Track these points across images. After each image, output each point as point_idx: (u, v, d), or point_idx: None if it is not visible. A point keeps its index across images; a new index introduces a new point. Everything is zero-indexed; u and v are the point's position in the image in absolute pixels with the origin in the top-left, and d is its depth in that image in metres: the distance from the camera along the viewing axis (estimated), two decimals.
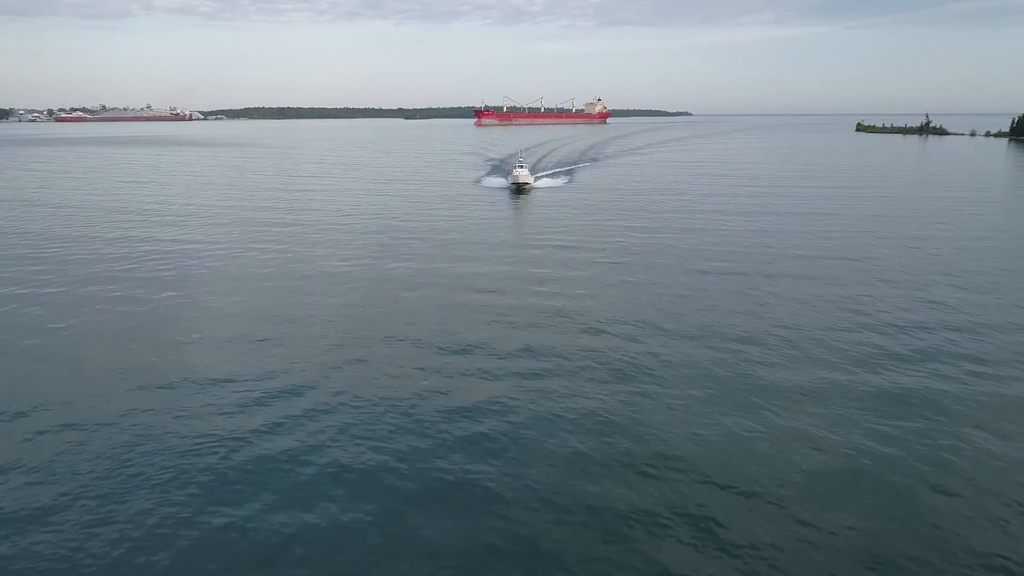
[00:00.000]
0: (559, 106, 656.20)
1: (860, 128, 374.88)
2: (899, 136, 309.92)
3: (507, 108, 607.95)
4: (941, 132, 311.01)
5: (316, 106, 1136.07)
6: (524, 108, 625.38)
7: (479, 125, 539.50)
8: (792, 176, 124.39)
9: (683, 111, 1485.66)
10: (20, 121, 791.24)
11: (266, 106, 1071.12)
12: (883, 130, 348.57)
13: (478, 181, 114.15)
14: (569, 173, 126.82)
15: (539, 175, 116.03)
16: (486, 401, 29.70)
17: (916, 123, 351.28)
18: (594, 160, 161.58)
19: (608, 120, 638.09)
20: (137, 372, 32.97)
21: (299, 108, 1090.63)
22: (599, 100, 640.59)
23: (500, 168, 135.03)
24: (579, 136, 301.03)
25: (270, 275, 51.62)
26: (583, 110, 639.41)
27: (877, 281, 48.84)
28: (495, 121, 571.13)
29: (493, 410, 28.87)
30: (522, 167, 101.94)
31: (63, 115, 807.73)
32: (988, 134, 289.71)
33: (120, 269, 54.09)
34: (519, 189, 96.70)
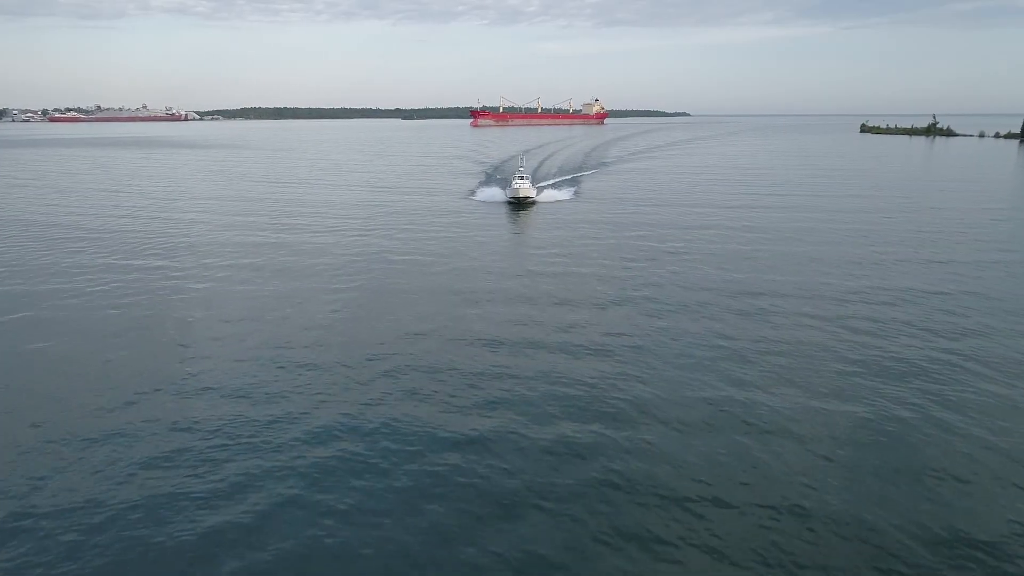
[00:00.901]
0: (556, 107, 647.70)
1: (865, 129, 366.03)
2: (905, 137, 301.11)
3: (503, 109, 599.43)
4: (948, 133, 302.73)
5: (313, 106, 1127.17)
6: (521, 108, 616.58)
7: (475, 126, 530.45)
8: (815, 182, 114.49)
9: (681, 111, 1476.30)
10: (13, 121, 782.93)
11: (263, 106, 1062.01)
12: (888, 131, 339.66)
13: (472, 193, 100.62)
14: (574, 182, 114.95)
15: (541, 184, 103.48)
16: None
17: (920, 123, 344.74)
18: (602, 165, 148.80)
19: (606, 121, 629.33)
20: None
21: (296, 108, 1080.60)
22: (596, 100, 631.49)
23: (497, 177, 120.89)
24: (578, 138, 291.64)
25: (229, 313, 42.14)
26: (580, 110, 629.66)
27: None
28: (491, 122, 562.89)
29: None
30: (523, 178, 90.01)
31: (57, 115, 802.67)
32: (998, 135, 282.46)
33: (69, 297, 45.45)
34: (519, 203, 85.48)
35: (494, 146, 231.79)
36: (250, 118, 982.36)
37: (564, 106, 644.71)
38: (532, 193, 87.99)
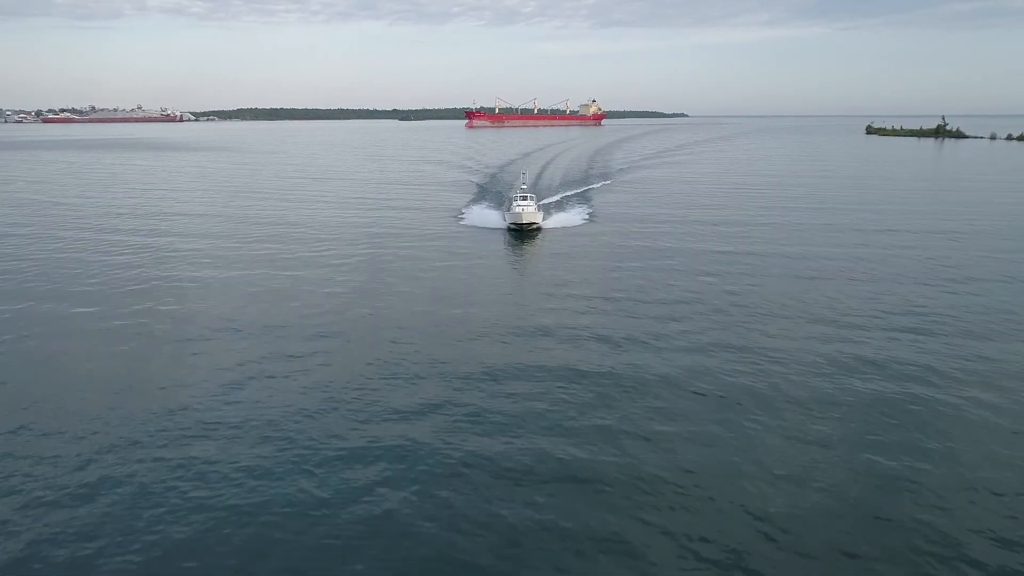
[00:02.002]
0: (553, 107, 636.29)
1: (871, 130, 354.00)
2: (913, 139, 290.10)
3: (499, 110, 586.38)
4: (958, 135, 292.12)
5: (310, 107, 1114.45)
6: (517, 109, 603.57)
7: (470, 127, 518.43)
8: (845, 193, 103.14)
9: (679, 112, 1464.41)
10: (6, 122, 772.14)
11: (259, 107, 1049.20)
12: (895, 132, 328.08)
13: (461, 215, 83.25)
14: (584, 198, 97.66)
15: (544, 200, 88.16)
16: None
17: (920, 124, 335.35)
18: (610, 174, 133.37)
19: (603, 122, 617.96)
20: None
21: (292, 109, 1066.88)
22: (594, 101, 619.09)
23: (492, 191, 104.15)
24: (578, 140, 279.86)
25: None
26: (577, 111, 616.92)
27: None
28: (487, 123, 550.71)
29: None
30: (525, 198, 74.19)
31: (50, 116, 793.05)
32: (1010, 137, 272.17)
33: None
34: (522, 231, 69.48)
35: (489, 149, 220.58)
36: (246, 119, 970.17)
37: (561, 107, 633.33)
38: (537, 218, 71.15)
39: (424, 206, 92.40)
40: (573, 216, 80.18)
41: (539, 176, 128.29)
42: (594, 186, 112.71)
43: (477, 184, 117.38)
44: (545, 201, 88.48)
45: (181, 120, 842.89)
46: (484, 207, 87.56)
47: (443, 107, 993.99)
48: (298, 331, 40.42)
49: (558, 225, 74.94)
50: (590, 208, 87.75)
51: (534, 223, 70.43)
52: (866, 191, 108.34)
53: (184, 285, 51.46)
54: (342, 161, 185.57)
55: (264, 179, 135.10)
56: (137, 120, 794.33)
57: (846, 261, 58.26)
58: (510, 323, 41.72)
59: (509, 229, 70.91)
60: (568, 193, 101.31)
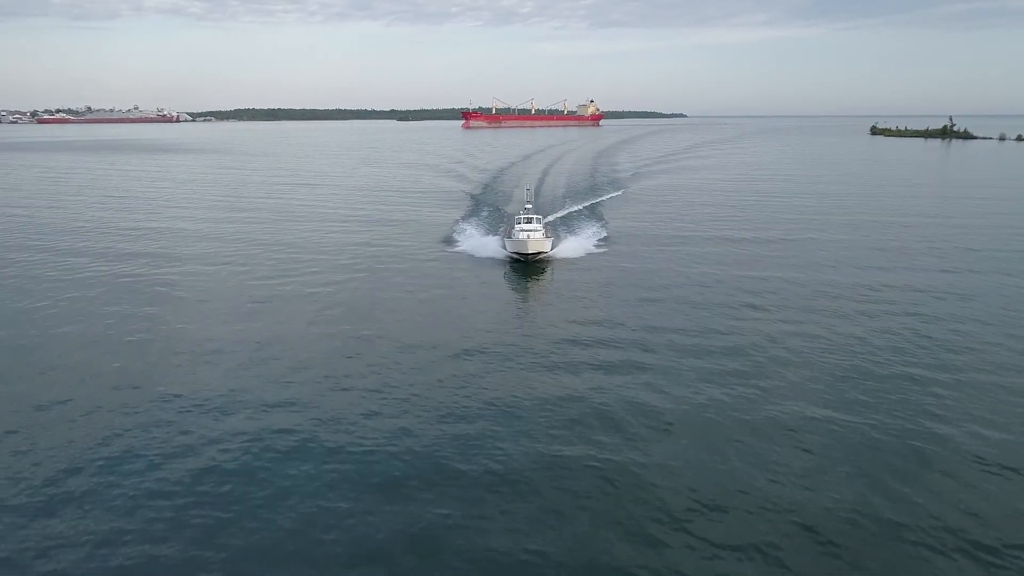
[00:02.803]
0: (551, 108, 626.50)
1: (876, 131, 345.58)
2: (920, 140, 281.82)
3: (496, 110, 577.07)
4: (966, 136, 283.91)
5: (308, 107, 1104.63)
6: (514, 110, 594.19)
7: (467, 127, 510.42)
8: (875, 199, 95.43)
9: (678, 113, 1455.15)
10: (1, 122, 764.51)
11: (257, 107, 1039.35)
12: (901, 133, 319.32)
13: (454, 238, 69.66)
14: (593, 212, 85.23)
15: (549, 218, 75.24)
16: None
17: (927, 125, 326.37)
18: (620, 181, 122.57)
19: (601, 122, 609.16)
20: None
21: (290, 109, 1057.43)
22: (591, 102, 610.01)
23: (488, 202, 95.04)
24: (577, 142, 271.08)
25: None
26: (575, 111, 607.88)
27: None
28: (484, 123, 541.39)
29: None
30: (531, 220, 61.41)
31: (45, 117, 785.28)
32: (1020, 138, 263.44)
33: None
34: (527, 261, 57.33)
35: (484, 153, 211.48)
36: (243, 119, 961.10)
37: (559, 107, 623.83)
38: (546, 247, 58.54)
39: (413, 223, 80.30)
40: (585, 240, 67.07)
41: (541, 181, 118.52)
42: (604, 197, 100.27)
43: (471, 196, 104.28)
44: (551, 218, 77.18)
45: (178, 121, 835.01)
46: (479, 228, 73.83)
47: (442, 107, 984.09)
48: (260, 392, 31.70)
49: (570, 254, 61.83)
50: (603, 227, 75.61)
51: (542, 252, 57.93)
52: (899, 199, 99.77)
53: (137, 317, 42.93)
54: (334, 165, 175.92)
55: (249, 186, 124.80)
56: (133, 121, 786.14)
57: (912, 292, 49.13)
58: (516, 391, 32.69)
59: (511, 259, 58.55)
60: (576, 207, 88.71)
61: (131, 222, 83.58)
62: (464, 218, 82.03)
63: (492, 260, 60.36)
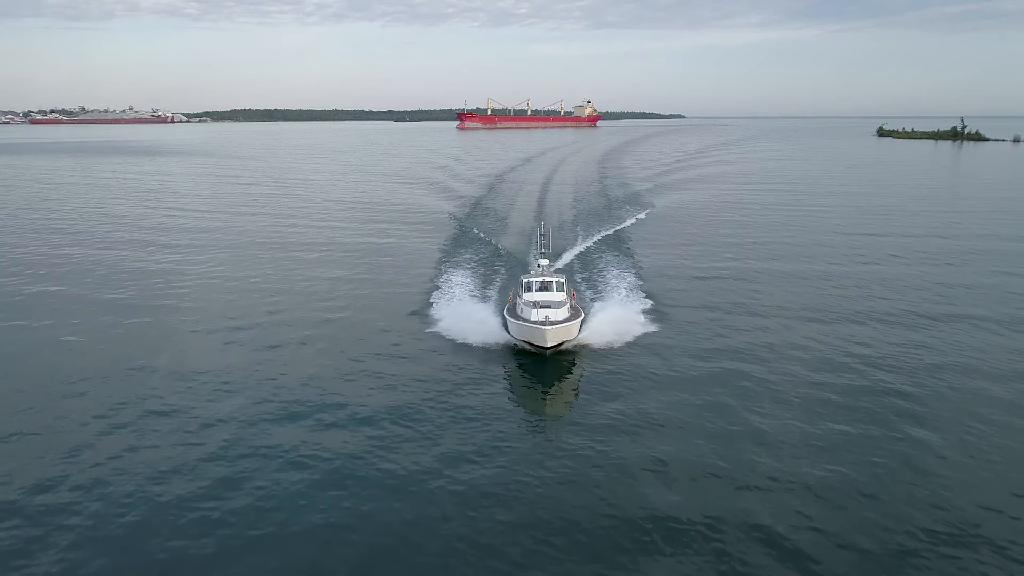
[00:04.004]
0: (547, 108, 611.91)
1: (883, 133, 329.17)
2: (931, 142, 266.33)
3: (491, 111, 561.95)
4: (977, 138, 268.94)
5: (304, 108, 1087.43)
6: (510, 111, 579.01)
7: (461, 128, 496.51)
8: (931, 213, 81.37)
9: (676, 113, 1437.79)
10: None
11: (253, 108, 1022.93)
12: (909, 135, 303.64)
13: (430, 303, 46.57)
14: (620, 247, 64.13)
15: (565, 259, 57.43)
16: None
17: (927, 126, 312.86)
18: (647, 192, 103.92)
19: (598, 123, 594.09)
20: None
21: (286, 110, 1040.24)
22: (588, 102, 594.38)
23: (477, 233, 70.97)
24: (577, 144, 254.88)
25: None
26: (572, 112, 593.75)
27: None
28: (479, 124, 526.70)
29: None
30: (548, 287, 39.90)
31: (38, 117, 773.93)
32: None
33: None
34: (544, 354, 36.91)
35: (480, 153, 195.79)
36: (239, 120, 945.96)
37: (555, 108, 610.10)
38: (572, 332, 37.17)
39: (385, 270, 57.61)
40: (622, 308, 43.86)
41: (544, 189, 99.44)
42: (627, 222, 78.24)
43: (458, 221, 79.77)
44: (566, 257, 57.97)
45: (172, 121, 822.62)
46: (468, 278, 52.09)
47: (438, 108, 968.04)
48: None
49: (604, 335, 38.99)
50: (638, 274, 53.66)
51: (565, 342, 37.15)
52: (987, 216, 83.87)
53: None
54: (319, 171, 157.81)
55: (218, 199, 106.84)
56: (127, 122, 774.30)
57: None
58: None
59: (519, 346, 37.77)
60: (595, 236, 68.13)
61: (89, 233, 73.32)
62: (449, 258, 60.60)
63: (488, 349, 38.39)
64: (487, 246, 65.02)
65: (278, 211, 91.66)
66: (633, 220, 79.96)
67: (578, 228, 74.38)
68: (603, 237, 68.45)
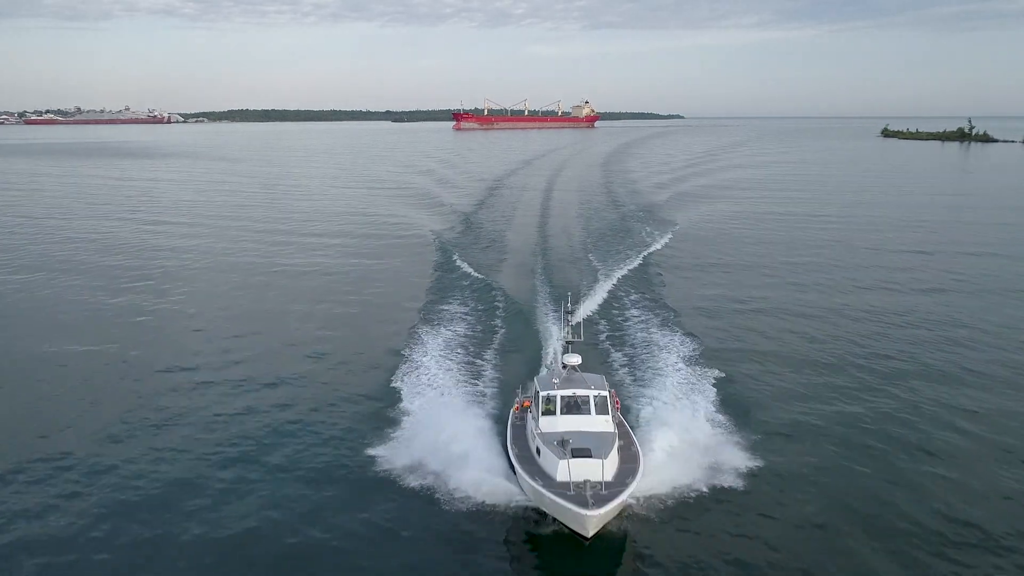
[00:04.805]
0: (544, 109, 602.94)
1: (888, 133, 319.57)
2: (937, 143, 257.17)
3: (488, 111, 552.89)
4: (985, 139, 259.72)
5: (302, 108, 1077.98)
6: (507, 111, 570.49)
7: (457, 129, 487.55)
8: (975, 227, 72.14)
9: (675, 114, 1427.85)
10: None
11: (250, 108, 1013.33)
12: (914, 136, 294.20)
13: (394, 432, 28.36)
14: (652, 291, 49.83)
15: (587, 312, 43.38)
16: None
17: (930, 127, 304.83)
18: (663, 204, 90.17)
19: (596, 124, 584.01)
20: None
21: (284, 110, 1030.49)
22: (586, 103, 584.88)
23: (468, 271, 55.39)
24: (576, 146, 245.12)
25: None
26: (570, 113, 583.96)
27: None
28: (475, 125, 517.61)
29: None
30: (575, 406, 25.56)
31: (33, 118, 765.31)
32: None
33: None
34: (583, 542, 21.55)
35: (475, 155, 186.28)
36: (236, 120, 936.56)
37: (553, 108, 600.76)
38: (626, 501, 22.28)
39: (348, 327, 43.56)
40: (693, 412, 29.28)
41: (545, 206, 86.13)
42: (653, 247, 64.16)
43: (444, 252, 63.32)
44: (582, 311, 41.26)
45: (168, 122, 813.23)
46: (450, 377, 33.85)
47: (436, 108, 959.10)
48: None
49: (665, 480, 24.17)
50: (697, 338, 38.93)
51: (606, 523, 21.90)
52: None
53: None
54: (306, 177, 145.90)
55: (194, 209, 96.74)
56: (123, 122, 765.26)
57: None
58: None
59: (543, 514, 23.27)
60: (617, 273, 54.10)
61: (40, 243, 66.75)
62: (429, 308, 45.80)
63: (475, 513, 23.42)
64: (479, 291, 49.36)
65: (245, 232, 79.40)
66: (660, 245, 64.63)
67: (592, 257, 59.91)
68: (629, 273, 54.05)
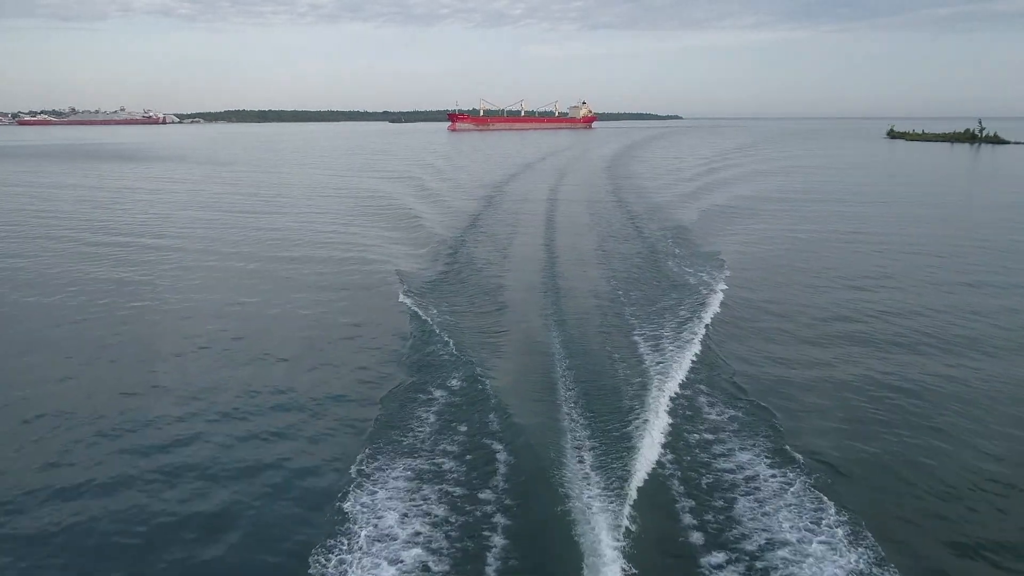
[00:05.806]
0: (541, 109, 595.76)
1: (893, 134, 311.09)
2: (946, 145, 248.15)
3: (484, 112, 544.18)
4: (996, 140, 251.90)
5: (299, 108, 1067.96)
6: (503, 111, 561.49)
7: (452, 130, 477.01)
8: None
9: (674, 114, 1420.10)
10: None
11: (247, 109, 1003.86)
12: (922, 137, 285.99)
13: None
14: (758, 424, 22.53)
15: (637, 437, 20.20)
16: None
17: (934, 127, 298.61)
18: (691, 228, 61.71)
19: (594, 124, 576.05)
20: None
21: (280, 111, 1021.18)
22: (584, 103, 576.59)
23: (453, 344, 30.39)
24: (576, 148, 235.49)
25: None
26: (567, 113, 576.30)
27: None
28: (471, 126, 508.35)
29: None
30: None
31: (27, 118, 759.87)
32: None
33: None
34: None
35: (471, 158, 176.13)
36: (233, 121, 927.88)
37: (550, 109, 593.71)
38: None
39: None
40: None
41: (550, 237, 76.28)
42: (711, 310, 34.14)
43: (420, 327, 32.86)
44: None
45: (164, 122, 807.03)
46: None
47: (434, 109, 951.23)
48: None
49: None
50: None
51: None
52: None
53: None
54: (291, 186, 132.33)
55: (162, 226, 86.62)
56: (118, 122, 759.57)
57: None
58: None
59: None
60: (681, 375, 26.00)
61: None
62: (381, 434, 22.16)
63: None
64: (471, 398, 24.77)
65: (204, 279, 67.09)
66: (718, 307, 35.25)
67: (633, 319, 33.16)
68: (695, 360, 27.66)
